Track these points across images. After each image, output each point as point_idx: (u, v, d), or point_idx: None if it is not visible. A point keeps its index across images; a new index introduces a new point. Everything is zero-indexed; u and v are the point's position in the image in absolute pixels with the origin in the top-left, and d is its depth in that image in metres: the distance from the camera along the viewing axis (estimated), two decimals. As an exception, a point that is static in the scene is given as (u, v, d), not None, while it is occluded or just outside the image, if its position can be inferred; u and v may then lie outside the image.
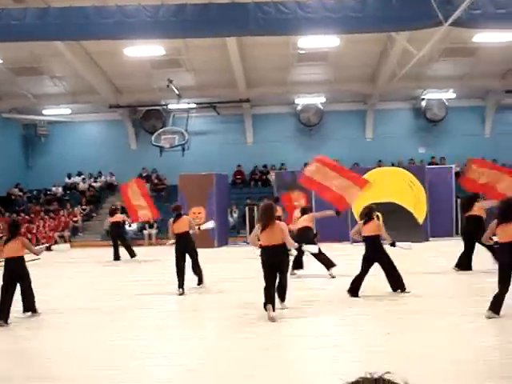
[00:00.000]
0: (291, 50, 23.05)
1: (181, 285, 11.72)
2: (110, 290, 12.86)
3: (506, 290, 8.35)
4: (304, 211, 13.62)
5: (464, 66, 25.12)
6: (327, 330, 8.28)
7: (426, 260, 15.77)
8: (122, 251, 18.68)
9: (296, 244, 9.88)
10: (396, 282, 10.67)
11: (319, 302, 10.32)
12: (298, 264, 13.36)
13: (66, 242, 25.11)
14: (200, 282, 12.40)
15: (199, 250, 12.47)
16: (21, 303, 9.90)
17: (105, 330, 8.81)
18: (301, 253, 12.81)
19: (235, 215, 25.43)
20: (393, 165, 25.23)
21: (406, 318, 8.81)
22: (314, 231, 13.71)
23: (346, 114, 28.29)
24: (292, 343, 7.75)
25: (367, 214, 10.88)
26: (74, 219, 26.41)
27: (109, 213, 19.92)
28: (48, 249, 10.91)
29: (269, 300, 9.03)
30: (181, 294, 11.57)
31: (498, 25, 17.58)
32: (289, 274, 9.89)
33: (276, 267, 9.26)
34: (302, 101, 27.91)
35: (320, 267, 13.04)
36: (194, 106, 26.87)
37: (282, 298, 9.61)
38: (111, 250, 18.95)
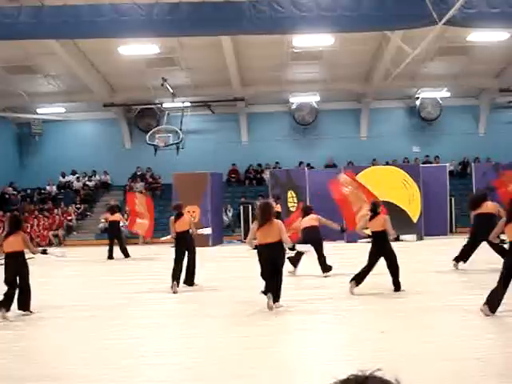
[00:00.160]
0: (286, 49, 23.04)
1: (176, 281, 11.76)
2: (105, 289, 12.85)
3: (505, 290, 8.31)
4: (308, 210, 13.47)
5: (458, 64, 25.16)
6: (323, 329, 8.28)
7: (421, 258, 15.79)
8: (116, 251, 18.65)
9: (291, 243, 9.92)
10: (394, 281, 10.67)
11: (314, 300, 10.32)
12: (296, 261, 13.15)
13: (60, 241, 25.05)
14: (191, 281, 12.35)
15: (194, 249, 12.48)
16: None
17: (99, 328, 8.80)
18: (300, 253, 12.73)
19: (230, 214, 25.42)
20: (387, 164, 25.26)
21: (401, 317, 8.82)
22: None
23: (340, 112, 28.30)
24: (287, 342, 7.76)
25: (373, 209, 10.85)
26: (69, 218, 26.35)
27: (108, 210, 19.97)
28: (44, 252, 10.85)
29: (268, 289, 9.37)
30: (175, 292, 11.59)
31: (492, 24, 17.64)
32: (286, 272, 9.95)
33: (272, 264, 9.35)
34: (296, 99, 27.91)
35: (316, 267, 13.03)
36: (189, 104, 26.82)
37: (277, 298, 9.60)
38: (106, 248, 18.91)
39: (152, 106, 28.03)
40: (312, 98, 27.70)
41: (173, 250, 12.49)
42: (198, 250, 12.56)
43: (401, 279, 10.66)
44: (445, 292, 10.67)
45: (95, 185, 28.98)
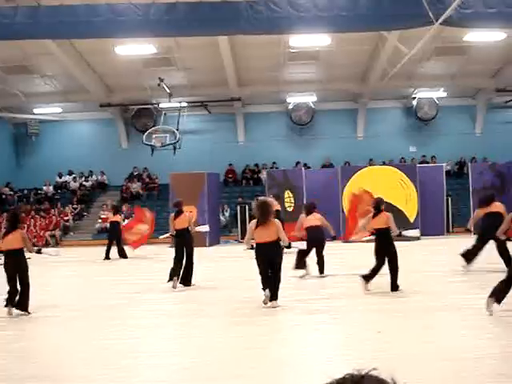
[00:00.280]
0: (283, 49, 23.04)
1: (177, 277, 11.88)
2: (104, 289, 12.84)
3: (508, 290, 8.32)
4: (311, 208, 13.25)
5: (455, 64, 25.20)
6: (321, 328, 8.28)
7: (419, 258, 15.82)
8: (112, 252, 18.66)
9: (287, 242, 9.96)
10: (392, 280, 10.67)
11: (313, 300, 10.32)
12: (302, 264, 12.94)
13: (57, 241, 25.02)
14: (188, 281, 12.34)
15: (191, 249, 12.48)
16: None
17: (99, 329, 8.79)
18: (305, 253, 12.68)
19: (227, 214, 25.43)
20: (384, 164, 25.27)
21: (400, 316, 8.83)
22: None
23: (337, 112, 28.31)
24: (286, 341, 7.75)
25: (376, 207, 10.84)
26: (65, 218, 26.32)
27: (113, 208, 20.17)
28: (38, 252, 10.87)
29: (266, 286, 9.55)
30: (174, 287, 11.73)
31: (488, 24, 17.68)
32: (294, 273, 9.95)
33: (270, 263, 9.41)
34: (293, 100, 27.92)
35: (314, 266, 13.03)
36: (186, 104, 26.81)
37: (274, 296, 9.62)
38: (103, 249, 18.90)
39: (149, 106, 28.01)
40: (309, 98, 27.72)
41: (170, 250, 12.49)
42: (195, 249, 12.55)
43: (399, 279, 10.65)
44: (444, 292, 10.69)
45: (92, 185, 28.95)
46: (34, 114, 28.44)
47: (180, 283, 12.10)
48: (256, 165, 28.54)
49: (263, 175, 26.27)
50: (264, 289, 9.58)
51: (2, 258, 10.08)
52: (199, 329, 8.59)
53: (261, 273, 9.56)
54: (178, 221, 12.34)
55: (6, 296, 9.79)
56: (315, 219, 12.96)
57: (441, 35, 21.24)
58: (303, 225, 12.98)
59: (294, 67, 25.17)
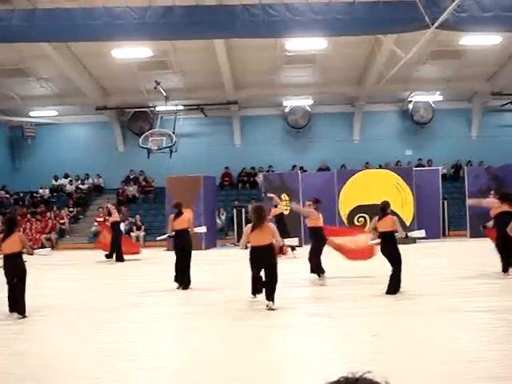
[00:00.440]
0: (279, 53, 23.07)
1: (179, 279, 12.06)
2: (101, 292, 12.80)
3: None
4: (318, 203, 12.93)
5: (451, 68, 25.27)
6: (318, 331, 8.27)
7: (415, 261, 15.80)
8: (101, 254, 18.61)
9: (282, 243, 10.09)
10: (390, 282, 10.67)
11: (309, 302, 10.34)
12: (321, 269, 12.55)
13: (52, 244, 24.96)
14: (186, 284, 12.33)
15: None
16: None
17: (93, 332, 8.77)
18: (319, 258, 12.58)
19: (223, 217, 25.42)
20: (380, 167, 25.29)
21: (396, 319, 8.83)
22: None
23: (333, 116, 28.36)
24: (280, 345, 7.75)
25: (382, 209, 10.82)
26: (61, 221, 26.27)
27: (114, 208, 20.18)
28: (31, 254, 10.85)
29: (256, 292, 9.90)
30: (178, 288, 11.95)
31: (484, 27, 17.74)
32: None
33: (264, 266, 9.45)
34: (289, 103, 27.96)
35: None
36: (182, 107, 26.83)
37: (271, 298, 9.61)
38: (99, 252, 18.86)
39: (145, 109, 28.03)
40: (305, 102, 27.76)
41: (166, 253, 12.50)
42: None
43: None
44: (439, 295, 10.69)
45: (88, 188, 28.92)
46: (30, 117, 28.43)
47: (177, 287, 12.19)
48: (252, 168, 28.56)
49: (259, 178, 26.28)
50: (254, 294, 9.86)
51: (1, 260, 10.07)
52: (196, 332, 8.58)
53: (253, 277, 9.67)
54: (177, 221, 12.44)
55: (8, 301, 9.84)
56: (317, 219, 12.61)
57: (437, 39, 21.31)
58: (308, 220, 12.69)
59: (291, 70, 25.20)
